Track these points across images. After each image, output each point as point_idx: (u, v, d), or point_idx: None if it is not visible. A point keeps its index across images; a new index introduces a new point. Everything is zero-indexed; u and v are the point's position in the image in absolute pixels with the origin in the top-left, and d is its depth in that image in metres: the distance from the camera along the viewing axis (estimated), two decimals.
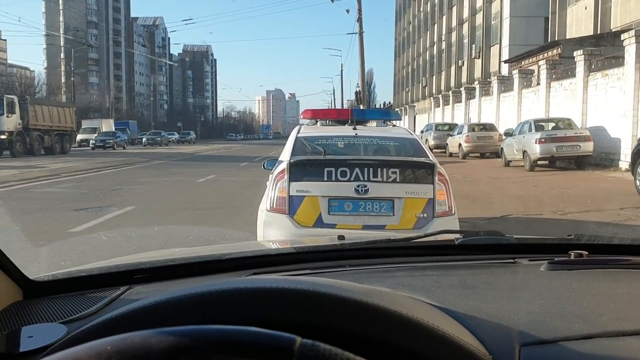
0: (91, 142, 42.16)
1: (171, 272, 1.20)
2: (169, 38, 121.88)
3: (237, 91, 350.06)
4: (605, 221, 7.82)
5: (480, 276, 1.16)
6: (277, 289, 0.70)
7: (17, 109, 28.11)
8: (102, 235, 6.15)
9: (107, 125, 52.72)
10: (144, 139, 55.73)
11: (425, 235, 1.47)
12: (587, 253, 1.24)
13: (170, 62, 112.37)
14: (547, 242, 1.52)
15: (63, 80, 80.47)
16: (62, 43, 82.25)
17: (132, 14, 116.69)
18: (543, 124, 17.92)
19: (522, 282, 1.13)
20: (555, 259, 1.21)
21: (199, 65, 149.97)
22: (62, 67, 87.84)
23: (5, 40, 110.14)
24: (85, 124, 50.23)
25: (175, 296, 0.70)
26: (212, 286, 0.71)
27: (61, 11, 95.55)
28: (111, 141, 41.92)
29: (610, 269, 1.19)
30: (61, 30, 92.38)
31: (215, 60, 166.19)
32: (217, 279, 1.14)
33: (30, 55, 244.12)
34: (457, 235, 1.41)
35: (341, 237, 1.52)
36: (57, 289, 1.13)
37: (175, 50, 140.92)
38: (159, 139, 56.68)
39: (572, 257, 1.23)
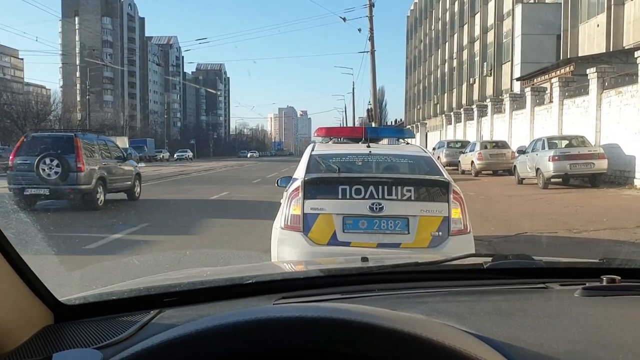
0: None
1: (200, 296, 1.21)
2: (182, 57, 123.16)
3: (249, 109, 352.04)
4: (622, 239, 7.73)
5: (514, 302, 1.15)
6: (320, 319, 0.70)
7: None
8: (134, 260, 6.18)
9: (121, 142, 53.08)
10: None
11: (453, 259, 1.46)
12: (619, 278, 1.22)
13: (186, 82, 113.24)
14: (578, 266, 1.50)
15: (78, 98, 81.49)
16: (77, 62, 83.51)
17: (147, 34, 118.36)
18: (556, 141, 17.81)
19: (557, 308, 1.12)
20: (588, 285, 1.20)
21: (212, 83, 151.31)
22: (78, 86, 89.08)
23: (22, 59, 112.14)
24: None
25: (209, 326, 0.70)
26: (246, 315, 0.71)
27: (77, 31, 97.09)
28: None
29: None
30: (77, 50, 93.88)
31: (228, 78, 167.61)
32: (246, 303, 1.15)
33: (46, 74, 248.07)
34: (486, 259, 1.39)
35: (365, 259, 1.52)
36: (88, 313, 1.13)
37: (189, 68, 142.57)
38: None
39: (605, 283, 1.21)
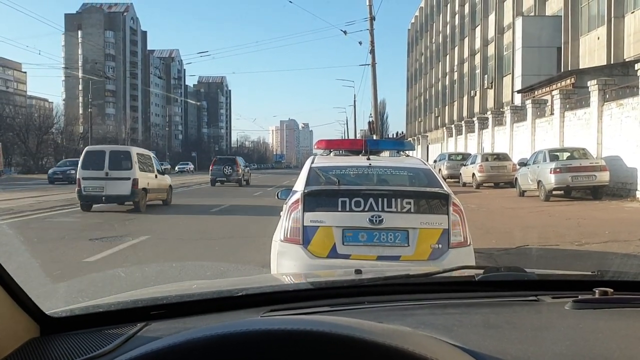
0: None
1: (188, 309, 1.19)
2: (184, 70, 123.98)
3: (251, 121, 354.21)
4: (624, 252, 7.68)
5: (503, 315, 1.13)
6: (300, 332, 0.69)
7: None
8: (120, 272, 6.16)
9: None
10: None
11: (445, 271, 1.43)
12: (612, 290, 1.21)
13: (188, 100, 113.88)
14: (570, 279, 1.48)
15: (81, 111, 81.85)
16: (80, 75, 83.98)
17: (149, 47, 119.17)
18: (558, 153, 17.80)
19: (546, 321, 1.10)
20: (580, 297, 1.18)
21: (213, 96, 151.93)
22: (80, 99, 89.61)
23: (25, 72, 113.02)
24: None
25: (188, 339, 0.69)
26: (229, 328, 0.70)
27: (80, 44, 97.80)
28: None
29: (637, 307, 1.16)
30: (80, 63, 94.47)
31: (229, 91, 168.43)
32: (235, 316, 1.13)
33: (49, 87, 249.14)
34: (477, 271, 1.37)
35: (358, 272, 1.50)
36: (74, 325, 1.12)
37: (191, 81, 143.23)
38: (59, 175, 31.66)
39: (597, 295, 1.19)
